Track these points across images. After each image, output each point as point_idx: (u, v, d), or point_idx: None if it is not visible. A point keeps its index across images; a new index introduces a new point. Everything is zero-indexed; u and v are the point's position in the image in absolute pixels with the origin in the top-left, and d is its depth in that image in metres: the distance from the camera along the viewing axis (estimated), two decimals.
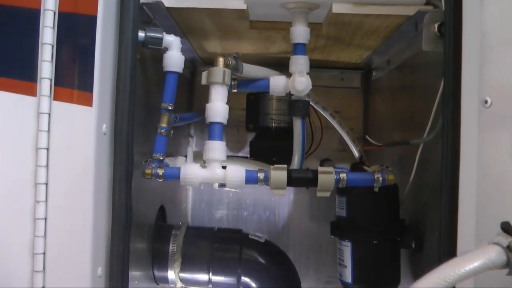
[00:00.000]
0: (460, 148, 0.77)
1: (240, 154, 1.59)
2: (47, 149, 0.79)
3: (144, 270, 1.16)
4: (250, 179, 0.95)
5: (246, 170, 0.95)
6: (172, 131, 1.03)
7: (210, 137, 0.96)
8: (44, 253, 0.79)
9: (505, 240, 0.61)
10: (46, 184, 0.79)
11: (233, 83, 1.05)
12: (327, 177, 0.95)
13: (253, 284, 1.21)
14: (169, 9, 0.99)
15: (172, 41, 0.99)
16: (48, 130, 0.79)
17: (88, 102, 0.81)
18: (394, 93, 1.34)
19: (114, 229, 0.85)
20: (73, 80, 0.80)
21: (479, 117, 0.73)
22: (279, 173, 0.95)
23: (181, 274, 1.21)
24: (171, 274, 1.20)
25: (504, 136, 0.69)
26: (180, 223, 1.34)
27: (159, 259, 1.20)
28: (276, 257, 1.26)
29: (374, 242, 1.07)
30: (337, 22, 1.06)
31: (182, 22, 1.09)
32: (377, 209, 1.08)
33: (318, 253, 1.61)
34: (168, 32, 0.99)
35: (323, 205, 1.59)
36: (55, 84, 0.79)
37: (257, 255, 1.23)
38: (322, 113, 1.21)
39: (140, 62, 0.99)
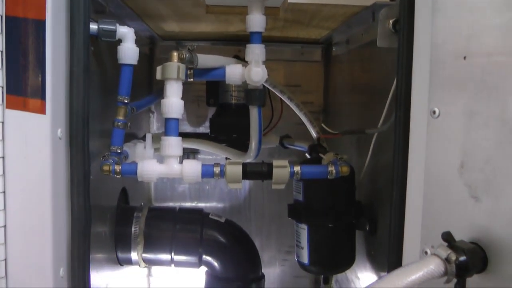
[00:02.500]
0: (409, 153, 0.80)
1: (200, 129, 1.60)
2: (3, 157, 0.79)
3: (107, 252, 1.19)
4: (207, 174, 0.96)
5: (203, 165, 0.97)
6: (129, 123, 1.02)
7: (167, 133, 0.96)
8: (5, 260, 0.80)
9: (444, 252, 0.65)
10: (4, 192, 0.79)
11: (189, 72, 1.04)
12: (282, 171, 0.97)
13: (215, 263, 1.25)
14: None
15: (126, 32, 0.97)
16: (3, 139, 0.78)
17: (42, 110, 0.80)
18: (354, 70, 1.35)
19: (74, 232, 0.86)
20: (25, 88, 0.79)
21: (427, 126, 0.74)
22: (234, 168, 0.97)
23: (144, 255, 1.23)
24: (134, 255, 1.23)
25: (451, 149, 0.70)
26: (142, 204, 1.35)
27: (122, 241, 1.22)
28: (236, 236, 1.29)
29: (330, 225, 1.11)
30: (293, 9, 1.05)
31: (137, 9, 1.07)
32: (333, 194, 1.11)
33: (279, 224, 1.66)
34: (124, 18, 0.96)
35: None
36: (7, 92, 0.78)
37: (218, 235, 1.26)
38: (280, 96, 1.22)
39: (94, 47, 0.97)
